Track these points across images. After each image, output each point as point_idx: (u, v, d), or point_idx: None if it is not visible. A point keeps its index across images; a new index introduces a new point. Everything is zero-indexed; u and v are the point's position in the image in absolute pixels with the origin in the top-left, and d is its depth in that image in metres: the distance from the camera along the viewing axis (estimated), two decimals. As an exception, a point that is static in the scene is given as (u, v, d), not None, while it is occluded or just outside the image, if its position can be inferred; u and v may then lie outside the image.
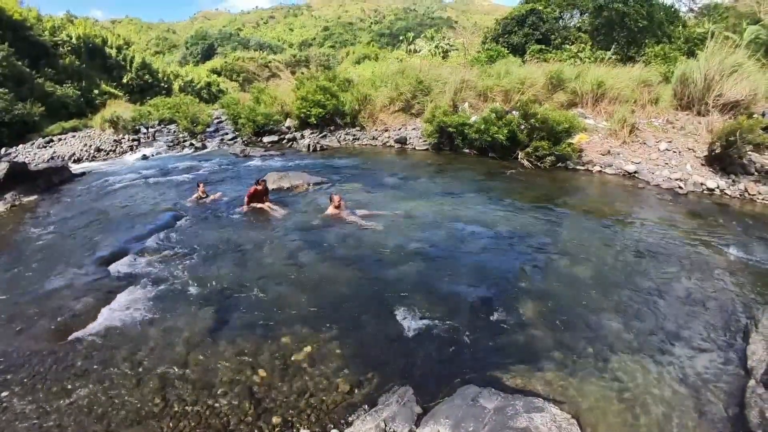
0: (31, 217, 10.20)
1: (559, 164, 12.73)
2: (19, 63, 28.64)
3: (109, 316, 5.28)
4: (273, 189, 10.63)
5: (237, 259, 6.84)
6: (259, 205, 9.08)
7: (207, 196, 10.04)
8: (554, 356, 4.44)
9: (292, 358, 4.52)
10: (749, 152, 11.07)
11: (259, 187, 9.01)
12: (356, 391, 4.06)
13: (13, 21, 30.83)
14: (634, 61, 17.29)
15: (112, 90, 37.60)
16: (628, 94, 14.62)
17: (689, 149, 12.28)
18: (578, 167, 12.66)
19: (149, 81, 44.09)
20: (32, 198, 11.99)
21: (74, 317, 5.27)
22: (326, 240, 7.46)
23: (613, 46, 25.14)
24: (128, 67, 42.47)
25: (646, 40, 27.85)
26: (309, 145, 16.96)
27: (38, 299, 5.84)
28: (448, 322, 4.96)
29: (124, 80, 41.34)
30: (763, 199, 10.21)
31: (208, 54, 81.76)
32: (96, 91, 34.81)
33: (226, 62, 71.00)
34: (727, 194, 10.57)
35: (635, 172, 11.84)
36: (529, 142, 13.03)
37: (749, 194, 10.41)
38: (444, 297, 5.51)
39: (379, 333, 4.88)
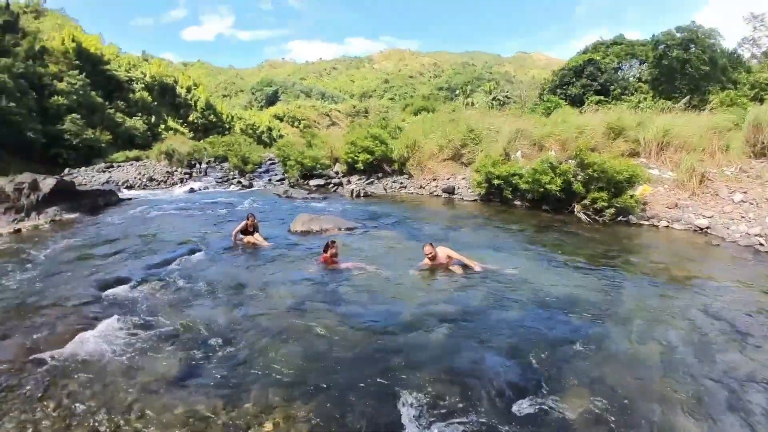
0: (63, 233, 10.33)
1: (620, 218, 11.42)
2: (94, 93, 30.66)
3: (81, 342, 4.88)
4: (301, 231, 10.09)
5: (234, 302, 6.08)
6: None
7: (255, 230, 9.28)
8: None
9: None
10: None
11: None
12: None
13: (92, 55, 33.42)
14: (698, 110, 15.92)
15: (178, 126, 39.65)
16: (695, 142, 13.27)
17: (768, 200, 10.75)
18: (642, 222, 11.31)
19: (213, 121, 46.40)
20: (73, 216, 12.27)
21: (49, 337, 5.03)
22: (342, 292, 6.56)
23: (677, 95, 23.79)
24: (194, 107, 44.87)
25: (710, 87, 26.34)
26: (353, 190, 16.51)
27: (24, 312, 5.68)
28: (461, 414, 3.79)
29: (190, 118, 43.67)
30: None
31: (272, 100, 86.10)
32: (162, 126, 36.79)
33: (288, 109, 74.15)
34: (818, 252, 8.93)
35: (707, 227, 10.40)
36: (586, 193, 11.79)
37: (844, 252, 8.75)
38: (463, 377, 4.35)
39: (367, 416, 3.79)
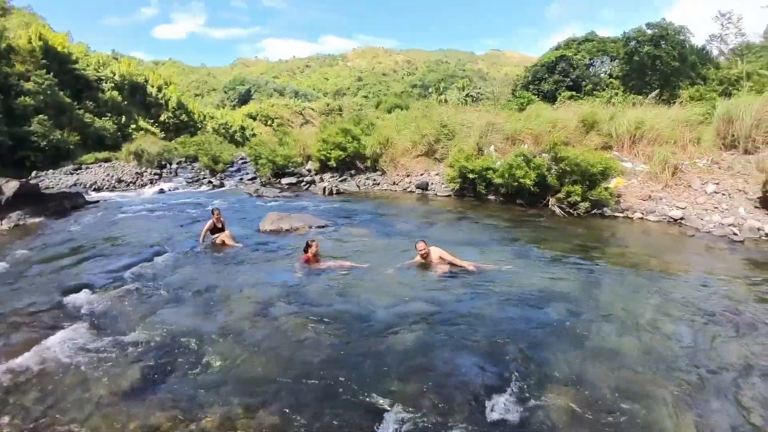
0: (26, 238, 10.01)
1: (595, 211, 11.51)
2: (62, 93, 29.60)
3: (37, 352, 4.64)
4: (270, 230, 9.91)
5: (201, 307, 5.85)
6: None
7: (223, 227, 9.03)
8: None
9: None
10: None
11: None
12: None
13: (59, 54, 32.25)
14: (668, 104, 16.26)
15: (149, 126, 38.62)
16: (667, 135, 13.49)
17: (740, 190, 11.03)
18: (616, 214, 11.44)
19: (185, 120, 45.35)
20: (37, 220, 11.88)
21: (3, 348, 4.82)
22: (320, 293, 6.37)
23: (647, 91, 24.33)
24: (166, 106, 43.84)
25: (680, 82, 26.96)
26: (325, 188, 16.34)
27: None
28: (440, 419, 3.63)
29: (162, 118, 42.58)
30: (834, 248, 8.75)
31: (244, 99, 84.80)
32: (133, 126, 35.74)
33: (261, 107, 73.22)
34: (791, 239, 9.15)
35: (681, 218, 10.59)
36: (561, 186, 11.88)
37: (816, 239, 9.00)
38: (441, 378, 4.23)
39: (339, 426, 3.61)
